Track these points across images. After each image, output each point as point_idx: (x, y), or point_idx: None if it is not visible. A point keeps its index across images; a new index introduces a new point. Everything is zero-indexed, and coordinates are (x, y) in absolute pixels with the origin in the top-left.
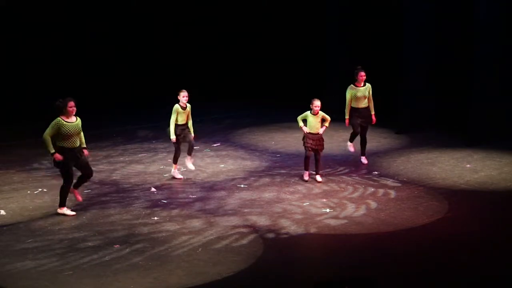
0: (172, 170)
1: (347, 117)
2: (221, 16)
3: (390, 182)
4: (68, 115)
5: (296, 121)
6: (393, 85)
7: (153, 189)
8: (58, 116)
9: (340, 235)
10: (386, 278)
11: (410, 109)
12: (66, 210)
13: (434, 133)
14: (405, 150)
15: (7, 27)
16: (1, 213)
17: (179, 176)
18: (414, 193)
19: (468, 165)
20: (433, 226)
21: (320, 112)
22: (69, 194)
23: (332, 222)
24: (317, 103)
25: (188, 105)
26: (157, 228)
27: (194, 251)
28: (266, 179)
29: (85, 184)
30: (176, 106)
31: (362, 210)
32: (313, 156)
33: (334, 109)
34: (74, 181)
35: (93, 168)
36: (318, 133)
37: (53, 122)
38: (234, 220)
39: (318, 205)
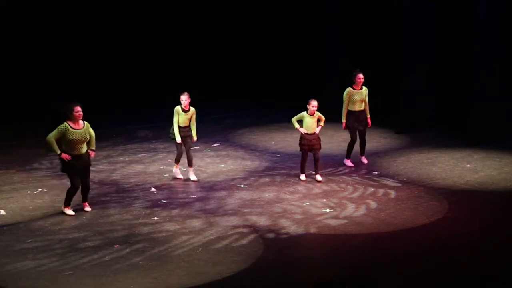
0: (174, 169)
1: (344, 120)
2: (221, 16)
3: (390, 182)
4: (74, 120)
5: (291, 123)
6: (393, 85)
7: (153, 189)
8: (65, 121)
9: (340, 235)
10: (386, 278)
11: (410, 109)
12: (67, 210)
13: (434, 133)
14: (405, 150)
15: (7, 27)
16: (1, 213)
17: (179, 176)
18: (414, 193)
19: (468, 165)
20: (433, 226)
21: (316, 112)
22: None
23: (332, 222)
24: (314, 103)
25: (192, 108)
26: (157, 228)
27: (194, 251)
28: (266, 179)
29: None
30: (177, 107)
31: (362, 210)
32: (312, 156)
33: (334, 109)
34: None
35: (93, 168)
36: (314, 133)
37: (59, 127)
38: (234, 220)
39: (318, 205)
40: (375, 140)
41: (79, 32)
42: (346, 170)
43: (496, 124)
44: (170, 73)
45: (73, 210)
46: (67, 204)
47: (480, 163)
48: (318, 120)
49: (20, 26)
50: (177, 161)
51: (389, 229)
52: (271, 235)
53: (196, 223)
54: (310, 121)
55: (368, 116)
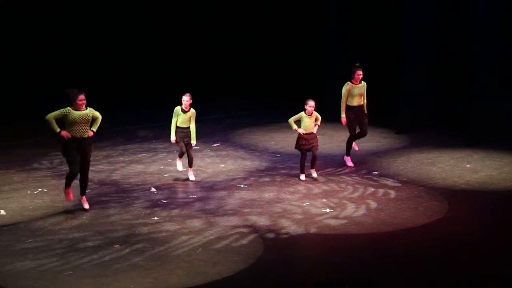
0: (177, 161)
1: (343, 115)
2: (221, 16)
3: (390, 182)
4: (77, 108)
5: (289, 123)
6: (393, 85)
7: (153, 189)
8: (68, 106)
9: (340, 235)
10: (386, 278)
11: (410, 109)
12: (68, 192)
13: (434, 133)
14: (405, 150)
15: (7, 27)
16: (1, 213)
17: (180, 167)
18: (414, 193)
19: (468, 165)
20: (433, 226)
21: (314, 112)
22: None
23: (332, 222)
24: (311, 103)
25: (192, 109)
26: (157, 228)
27: (194, 251)
28: (266, 179)
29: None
30: (177, 107)
31: (362, 210)
32: (310, 154)
33: (334, 109)
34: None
35: (93, 168)
36: (312, 133)
37: (61, 109)
38: (234, 220)
39: (318, 205)
40: (375, 140)
41: (79, 32)
42: (346, 170)
43: (496, 124)
44: (170, 73)
45: (73, 210)
46: (66, 186)
47: (480, 163)
48: (315, 120)
49: (20, 26)
50: (180, 155)
51: (389, 229)
52: (271, 235)
53: (196, 223)
54: (308, 121)
55: (366, 112)
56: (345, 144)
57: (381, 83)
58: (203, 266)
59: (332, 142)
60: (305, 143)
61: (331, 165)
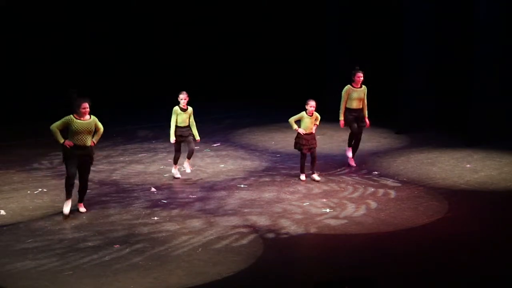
0: (172, 169)
1: (341, 118)
2: (221, 16)
3: (390, 182)
4: (81, 115)
5: (289, 123)
6: (393, 85)
7: (153, 189)
8: (71, 114)
9: (340, 235)
10: (386, 278)
11: (410, 109)
12: (65, 206)
13: (434, 133)
14: (405, 150)
15: (7, 27)
16: (1, 213)
17: (178, 175)
18: (414, 193)
19: (468, 165)
20: (433, 226)
21: (315, 113)
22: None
23: (332, 222)
24: (312, 103)
25: (190, 108)
26: (157, 228)
27: (194, 251)
28: (266, 179)
29: None
30: (176, 107)
31: (362, 210)
32: (309, 155)
33: (334, 109)
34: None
35: (93, 168)
36: (312, 133)
37: (64, 117)
38: (234, 220)
39: (318, 205)
40: (375, 140)
41: (79, 32)
42: (346, 170)
43: (496, 124)
44: (170, 73)
45: (73, 210)
46: (67, 196)
47: (480, 163)
48: (315, 120)
49: (20, 26)
50: (175, 161)
51: (389, 229)
52: (271, 235)
53: (196, 223)
54: (308, 121)
55: (366, 116)
56: (345, 144)
57: (381, 83)
58: (203, 266)
59: (332, 142)
60: (305, 143)
61: (331, 165)
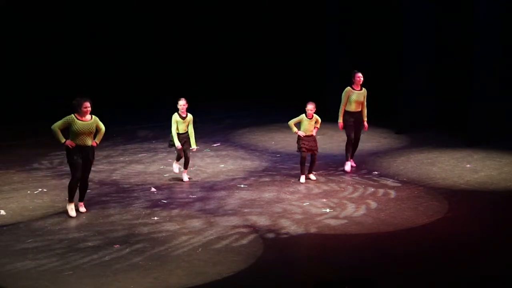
0: (173, 164)
1: (340, 120)
2: (221, 16)
3: (390, 182)
4: (82, 115)
5: (289, 126)
6: (393, 85)
7: (153, 189)
8: (73, 113)
9: (340, 235)
10: (386, 278)
11: (410, 109)
12: (70, 209)
13: (434, 133)
14: (405, 150)
15: (7, 27)
16: (1, 213)
17: (176, 170)
18: (414, 193)
19: (468, 165)
20: (433, 226)
21: (314, 115)
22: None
23: (332, 222)
24: (310, 106)
25: (190, 115)
26: (157, 228)
27: (194, 251)
28: (266, 179)
29: None
30: (175, 115)
31: (362, 210)
32: (309, 157)
33: (334, 109)
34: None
35: (93, 168)
36: (312, 135)
37: (65, 117)
38: (234, 220)
39: (318, 205)
40: (375, 140)
41: (79, 32)
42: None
43: (496, 124)
44: (170, 73)
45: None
46: (69, 199)
47: (480, 163)
48: (315, 122)
49: (20, 26)
50: (178, 159)
51: (389, 229)
52: (271, 235)
53: (196, 223)
54: (308, 124)
55: (365, 119)
56: (345, 144)
57: (381, 83)
58: (203, 266)
59: (332, 142)
60: (305, 143)
61: (331, 165)
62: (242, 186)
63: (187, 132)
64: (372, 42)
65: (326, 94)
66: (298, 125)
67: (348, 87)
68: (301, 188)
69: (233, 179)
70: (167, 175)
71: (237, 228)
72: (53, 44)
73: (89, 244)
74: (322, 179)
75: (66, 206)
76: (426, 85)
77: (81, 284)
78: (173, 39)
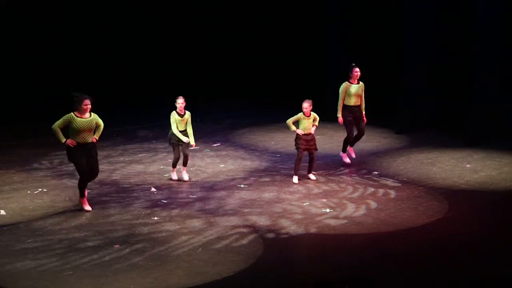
0: (171, 173)
1: (339, 115)
2: (221, 16)
3: (390, 182)
4: (82, 112)
5: (287, 125)
6: (393, 85)
7: (153, 189)
8: (72, 112)
9: (340, 235)
10: (386, 278)
11: (410, 109)
12: (85, 205)
13: (434, 133)
14: (405, 150)
15: (7, 27)
16: (1, 213)
17: (174, 177)
18: (414, 193)
19: (468, 165)
20: (433, 226)
21: (312, 113)
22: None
23: (332, 222)
24: (305, 105)
25: (188, 112)
26: (157, 228)
27: (194, 251)
28: (266, 179)
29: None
30: (173, 113)
31: (362, 210)
32: (307, 156)
33: (334, 109)
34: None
35: None
36: (310, 133)
37: (65, 116)
38: (234, 220)
39: (318, 205)
40: (375, 140)
41: (79, 32)
42: (346, 170)
43: (496, 124)
44: (170, 73)
45: (73, 210)
46: (81, 195)
47: (480, 163)
48: (313, 120)
49: (20, 26)
50: (174, 165)
51: (389, 229)
52: (271, 235)
53: (196, 223)
54: (307, 122)
55: (363, 112)
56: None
57: (381, 83)
58: (203, 266)
59: (332, 142)
60: (303, 142)
61: (331, 165)
62: (242, 186)
63: (185, 130)
64: (372, 42)
65: (326, 94)
66: (297, 124)
67: (346, 82)
68: (301, 188)
69: (233, 179)
70: (167, 175)
71: (237, 228)
72: (53, 44)
73: (89, 244)
74: (322, 179)
75: (79, 203)
76: (426, 85)
77: (81, 284)
78: (173, 39)
